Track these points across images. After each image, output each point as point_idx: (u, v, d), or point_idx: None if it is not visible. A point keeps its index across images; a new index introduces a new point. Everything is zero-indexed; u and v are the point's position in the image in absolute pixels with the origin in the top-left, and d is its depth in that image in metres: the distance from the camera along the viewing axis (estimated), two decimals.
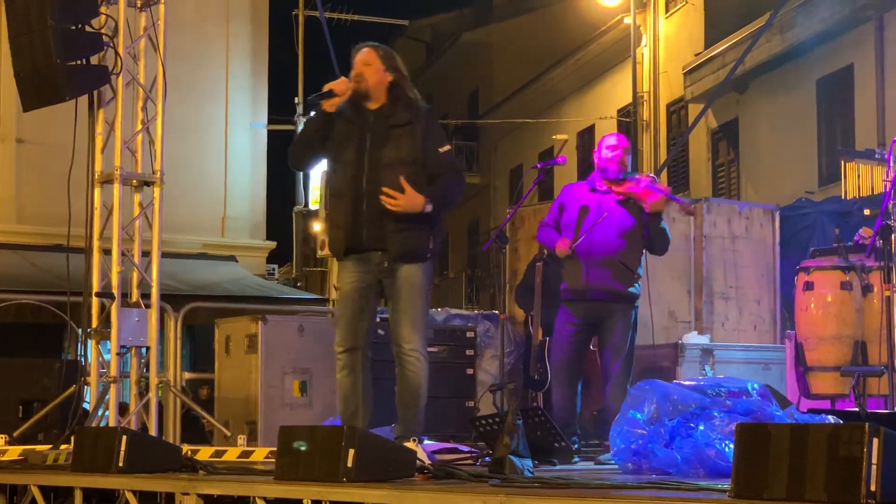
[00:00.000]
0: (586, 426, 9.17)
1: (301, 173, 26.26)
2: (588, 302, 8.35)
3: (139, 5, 9.21)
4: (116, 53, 8.96)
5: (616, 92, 27.27)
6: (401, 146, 6.69)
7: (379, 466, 5.41)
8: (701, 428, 5.92)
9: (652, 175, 8.72)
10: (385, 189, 6.55)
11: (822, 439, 3.92)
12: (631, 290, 8.37)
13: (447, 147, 6.83)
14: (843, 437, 3.87)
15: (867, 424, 3.83)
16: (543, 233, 8.66)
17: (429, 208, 6.61)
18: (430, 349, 9.74)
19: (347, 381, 6.79)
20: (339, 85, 6.77)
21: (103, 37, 8.92)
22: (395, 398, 6.82)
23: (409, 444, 6.33)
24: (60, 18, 8.55)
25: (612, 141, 8.59)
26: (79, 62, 8.77)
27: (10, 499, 7.30)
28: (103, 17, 8.98)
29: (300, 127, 26.15)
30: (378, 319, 7.12)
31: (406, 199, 6.55)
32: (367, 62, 6.81)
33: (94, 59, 8.92)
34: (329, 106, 6.76)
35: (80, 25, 8.79)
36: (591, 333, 8.48)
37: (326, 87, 6.76)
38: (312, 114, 7.00)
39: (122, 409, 9.25)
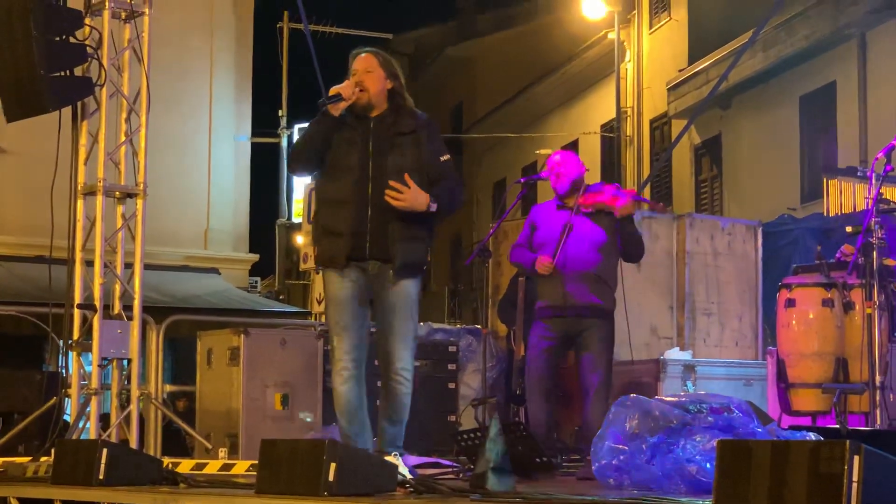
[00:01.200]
0: (567, 441, 9.17)
1: (284, 186, 26.30)
2: (566, 318, 8.37)
3: (124, 17, 9.19)
4: (100, 65, 8.94)
5: (599, 107, 27.31)
6: (405, 154, 6.60)
7: (360, 480, 5.40)
8: (682, 444, 5.93)
9: (616, 184, 8.76)
10: (392, 183, 6.43)
11: (804, 456, 3.92)
12: (607, 303, 8.40)
13: (447, 156, 6.74)
14: (824, 454, 3.87)
15: (848, 441, 3.84)
16: (517, 253, 8.69)
17: (433, 207, 6.51)
18: None
19: (352, 394, 6.59)
20: (347, 89, 6.63)
21: (87, 48, 8.90)
22: (378, 412, 6.76)
23: (390, 458, 6.31)
24: (44, 29, 8.53)
25: (553, 159, 8.71)
26: (62, 73, 8.76)
27: None
28: (87, 28, 8.96)
29: (283, 140, 26.24)
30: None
31: (411, 195, 6.44)
32: (369, 69, 6.72)
33: (77, 71, 8.90)
34: (335, 110, 6.62)
35: (64, 37, 8.77)
36: (566, 349, 8.50)
37: (333, 91, 6.63)
38: (314, 119, 6.82)
39: (103, 421, 9.22)
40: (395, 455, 6.46)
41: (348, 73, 6.76)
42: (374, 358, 6.80)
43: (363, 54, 6.79)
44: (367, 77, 6.68)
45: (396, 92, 6.78)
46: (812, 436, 5.83)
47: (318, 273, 6.96)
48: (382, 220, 6.53)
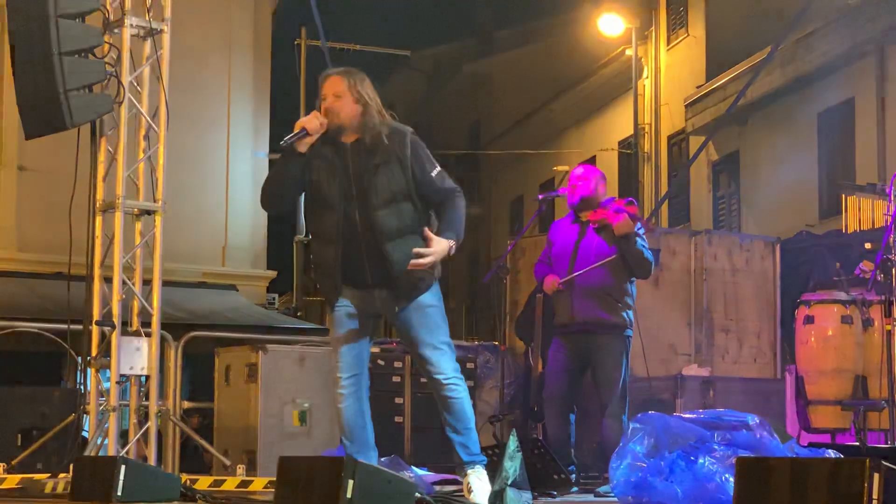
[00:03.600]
0: (585, 458, 9.15)
1: (302, 202, 26.32)
2: (576, 334, 8.43)
3: (142, 35, 9.23)
4: (119, 82, 8.97)
5: (617, 123, 27.31)
6: (390, 178, 6.24)
7: (379, 498, 5.39)
8: (701, 461, 5.91)
9: (630, 199, 8.75)
10: (415, 251, 6.12)
11: (823, 474, 3.91)
12: (617, 319, 8.37)
13: (437, 169, 6.33)
14: (845, 471, 3.86)
15: (868, 459, 3.82)
16: (537, 269, 8.81)
17: (454, 246, 6.19)
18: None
19: (353, 410, 6.37)
20: (312, 122, 6.23)
21: (106, 65, 8.93)
22: (444, 428, 6.49)
23: (473, 472, 6.25)
24: (64, 47, 8.56)
25: (574, 172, 8.76)
26: (82, 90, 8.78)
27: None
28: (106, 45, 8.99)
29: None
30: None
31: (434, 250, 6.12)
32: (338, 94, 6.28)
33: (96, 88, 8.93)
34: (302, 146, 6.24)
35: (83, 54, 8.80)
36: (583, 365, 8.51)
37: (298, 126, 6.23)
38: (280, 158, 6.42)
39: (122, 437, 9.23)
40: (477, 466, 6.30)
41: (319, 97, 6.38)
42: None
43: (331, 76, 6.39)
44: (335, 103, 6.29)
45: (369, 114, 6.31)
46: (831, 453, 5.80)
47: None
48: (377, 248, 6.24)
